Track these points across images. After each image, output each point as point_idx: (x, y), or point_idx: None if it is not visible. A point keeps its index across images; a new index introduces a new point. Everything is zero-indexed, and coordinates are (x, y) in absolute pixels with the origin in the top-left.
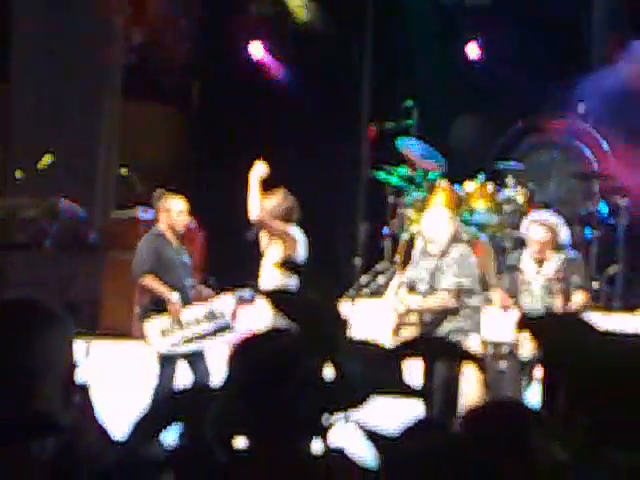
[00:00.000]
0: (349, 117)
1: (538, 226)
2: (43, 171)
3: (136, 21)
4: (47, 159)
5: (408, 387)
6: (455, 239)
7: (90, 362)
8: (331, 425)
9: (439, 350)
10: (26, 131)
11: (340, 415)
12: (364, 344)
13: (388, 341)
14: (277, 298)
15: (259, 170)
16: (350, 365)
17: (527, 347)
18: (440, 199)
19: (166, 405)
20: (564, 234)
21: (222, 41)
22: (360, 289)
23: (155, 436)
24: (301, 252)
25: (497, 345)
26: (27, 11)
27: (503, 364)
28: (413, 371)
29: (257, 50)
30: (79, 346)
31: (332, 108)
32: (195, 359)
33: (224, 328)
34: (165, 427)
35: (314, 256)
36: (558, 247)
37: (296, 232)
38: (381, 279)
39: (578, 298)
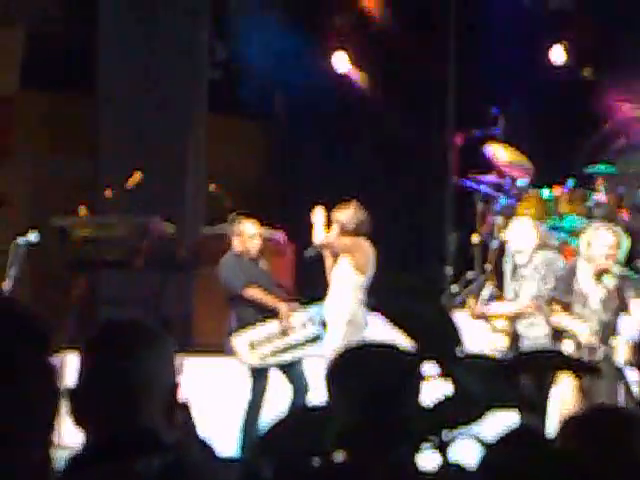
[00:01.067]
0: (435, 125)
1: (607, 231)
2: (132, 189)
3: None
4: (136, 177)
5: (527, 401)
6: (541, 246)
7: (185, 379)
8: (452, 440)
9: (558, 363)
10: (114, 148)
11: (460, 430)
12: (480, 357)
13: (487, 351)
14: (393, 313)
15: (319, 214)
16: (468, 380)
17: (622, 352)
18: (529, 206)
19: (285, 425)
20: (623, 247)
21: (305, 53)
22: (451, 298)
23: (275, 456)
24: (372, 265)
25: (592, 350)
26: (112, 25)
27: None
28: None
29: (340, 61)
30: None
31: (417, 117)
32: (290, 369)
33: (314, 338)
34: (286, 448)
35: (405, 266)
36: (618, 260)
37: (366, 245)
38: (472, 288)
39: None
